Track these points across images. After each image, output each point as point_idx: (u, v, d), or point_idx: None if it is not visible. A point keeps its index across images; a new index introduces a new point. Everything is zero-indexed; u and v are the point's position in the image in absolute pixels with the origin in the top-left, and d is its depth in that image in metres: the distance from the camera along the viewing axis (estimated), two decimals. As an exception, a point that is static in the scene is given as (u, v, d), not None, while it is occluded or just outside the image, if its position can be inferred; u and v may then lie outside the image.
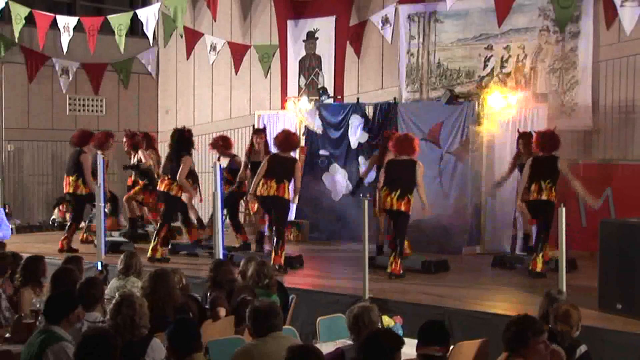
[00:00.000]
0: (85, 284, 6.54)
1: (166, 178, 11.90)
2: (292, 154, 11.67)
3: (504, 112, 12.72)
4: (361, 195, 11.37)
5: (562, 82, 13.34)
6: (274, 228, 11.24)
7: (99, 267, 9.57)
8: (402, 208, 10.63)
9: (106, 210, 12.47)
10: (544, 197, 10.64)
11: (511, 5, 12.82)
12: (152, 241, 11.88)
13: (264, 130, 13.23)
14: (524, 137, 11.56)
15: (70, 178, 12.78)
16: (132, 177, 14.04)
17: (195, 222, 13.13)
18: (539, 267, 10.58)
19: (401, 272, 10.57)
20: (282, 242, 11.04)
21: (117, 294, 5.85)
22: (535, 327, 5.11)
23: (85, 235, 13.67)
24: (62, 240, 12.77)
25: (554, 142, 10.85)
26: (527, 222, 11.54)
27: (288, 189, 11.17)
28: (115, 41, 15.74)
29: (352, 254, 11.85)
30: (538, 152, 10.94)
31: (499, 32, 13.78)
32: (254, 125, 13.65)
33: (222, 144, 12.95)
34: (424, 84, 14.99)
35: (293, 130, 12.75)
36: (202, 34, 16.98)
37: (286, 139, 11.34)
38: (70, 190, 12.83)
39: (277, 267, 10.54)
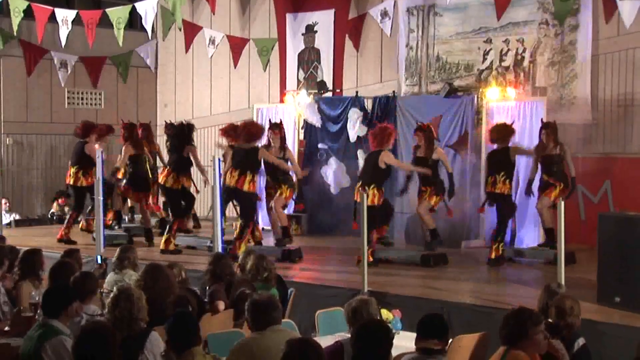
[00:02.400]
0: (78, 277, 6.54)
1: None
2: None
3: (503, 106, 12.72)
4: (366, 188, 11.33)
5: (561, 75, 13.33)
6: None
7: (99, 261, 9.57)
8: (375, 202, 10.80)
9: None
10: (497, 190, 11.02)
11: (510, -2, 12.83)
12: (165, 234, 12.06)
13: (279, 125, 12.50)
14: (548, 127, 11.21)
15: (72, 169, 12.83)
16: None
17: None
18: (493, 254, 11.01)
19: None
20: (243, 234, 11.23)
21: (114, 288, 5.84)
22: (533, 317, 5.13)
23: (84, 224, 13.66)
24: (63, 229, 12.86)
25: (507, 133, 11.22)
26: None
27: (251, 181, 11.25)
28: (113, 34, 15.72)
29: (351, 247, 11.84)
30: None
31: (498, 25, 13.77)
32: (270, 120, 13.49)
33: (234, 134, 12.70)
34: (423, 78, 14.98)
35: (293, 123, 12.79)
36: (201, 28, 16.95)
37: (245, 130, 11.44)
38: (71, 182, 12.87)
39: (232, 256, 9.81)
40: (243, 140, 11.39)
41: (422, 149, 11.39)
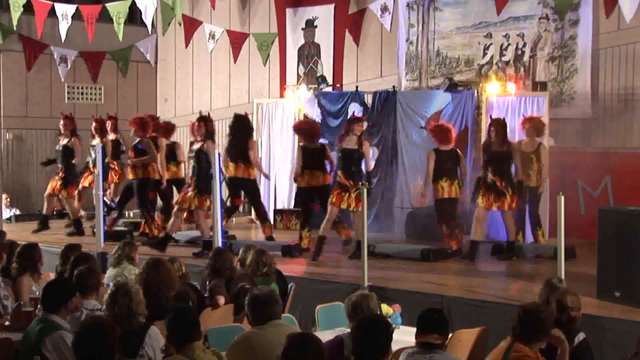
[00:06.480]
0: (83, 271, 6.54)
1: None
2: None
3: (503, 101, 12.71)
4: (360, 183, 11.31)
5: (562, 70, 13.33)
6: None
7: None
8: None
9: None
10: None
11: (511, -7, 12.83)
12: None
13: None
14: (497, 125, 10.88)
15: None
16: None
17: None
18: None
19: None
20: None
21: (111, 284, 5.84)
22: (551, 317, 5.24)
23: None
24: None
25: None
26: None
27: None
28: (113, 29, 15.70)
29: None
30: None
31: (499, 20, 13.77)
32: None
33: None
34: (424, 72, 14.96)
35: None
36: (201, 22, 16.93)
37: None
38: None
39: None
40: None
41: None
